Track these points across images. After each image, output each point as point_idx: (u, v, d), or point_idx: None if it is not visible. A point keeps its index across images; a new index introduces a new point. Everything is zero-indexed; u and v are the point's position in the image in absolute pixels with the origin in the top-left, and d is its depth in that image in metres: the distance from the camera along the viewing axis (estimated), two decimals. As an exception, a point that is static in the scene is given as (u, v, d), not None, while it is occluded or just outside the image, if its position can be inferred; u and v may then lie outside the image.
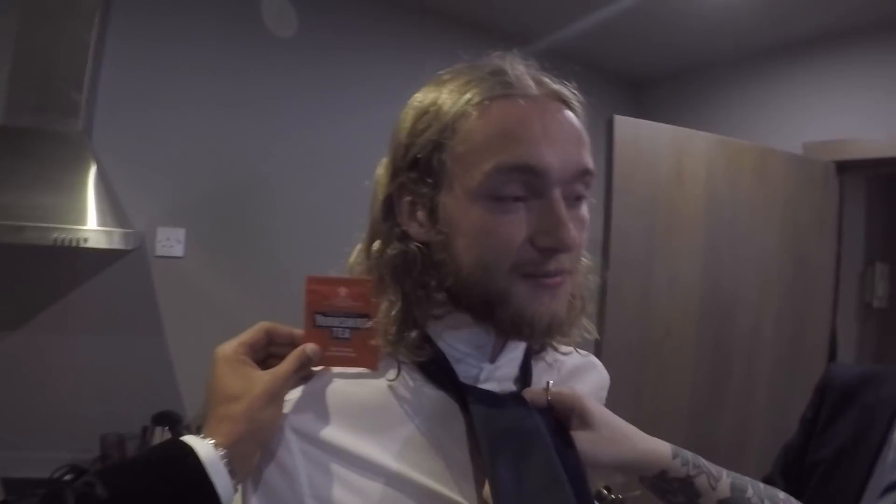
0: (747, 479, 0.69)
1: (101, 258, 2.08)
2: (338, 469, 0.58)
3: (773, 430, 1.91)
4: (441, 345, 0.63)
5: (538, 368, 0.71)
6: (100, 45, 2.03)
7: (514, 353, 0.67)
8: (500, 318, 0.59)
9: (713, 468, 0.68)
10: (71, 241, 1.72)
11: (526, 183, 0.57)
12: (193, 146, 2.18)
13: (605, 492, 1.69)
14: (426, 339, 0.62)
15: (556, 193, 0.57)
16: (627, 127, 1.79)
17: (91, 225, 1.77)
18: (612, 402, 1.86)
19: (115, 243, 1.79)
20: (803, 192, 2.14)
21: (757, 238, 2.03)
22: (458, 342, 0.63)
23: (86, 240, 1.72)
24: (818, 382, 1.32)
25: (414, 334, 0.61)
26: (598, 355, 1.85)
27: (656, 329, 1.83)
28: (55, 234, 1.70)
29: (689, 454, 0.67)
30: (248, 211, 2.27)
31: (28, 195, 1.74)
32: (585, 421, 0.63)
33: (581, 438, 0.62)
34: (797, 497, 1.25)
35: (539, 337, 0.61)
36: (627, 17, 2.30)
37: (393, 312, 0.60)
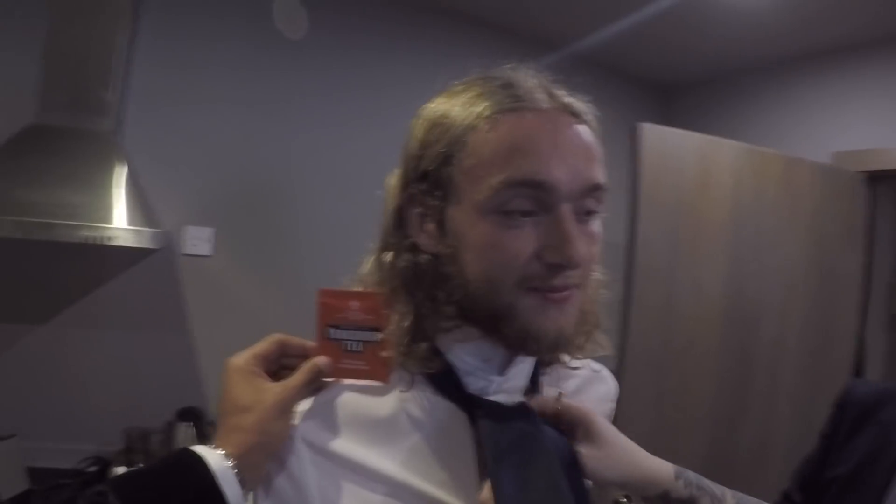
0: (753, 499, 0.69)
1: (130, 256, 2.11)
2: (348, 480, 0.59)
3: (796, 443, 1.88)
4: (450, 357, 0.63)
5: (547, 381, 0.71)
6: (130, 45, 2.06)
7: (524, 364, 0.66)
8: (507, 332, 0.59)
9: (717, 488, 0.68)
10: (99, 238, 1.75)
11: (534, 198, 0.56)
12: (222, 146, 2.20)
13: (624, 500, 1.68)
14: (436, 352, 0.62)
15: (565, 209, 0.57)
16: (654, 135, 1.78)
17: (119, 223, 1.80)
18: (633, 410, 1.87)
19: (143, 242, 1.81)
20: (831, 202, 2.11)
21: (782, 248, 2.01)
22: (466, 355, 0.63)
23: (113, 238, 1.75)
24: (837, 398, 1.31)
25: (424, 346, 0.61)
26: (620, 363, 1.85)
27: (679, 338, 1.82)
28: (84, 232, 1.73)
29: (692, 475, 0.67)
30: (276, 212, 2.29)
31: (58, 193, 1.77)
32: (591, 436, 0.63)
33: (585, 454, 0.62)
34: None
35: (545, 352, 0.60)
36: (657, 22, 2.28)
37: (404, 324, 0.61)
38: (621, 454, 0.64)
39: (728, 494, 0.68)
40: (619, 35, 2.44)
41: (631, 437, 2.00)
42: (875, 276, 2.62)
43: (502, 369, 0.65)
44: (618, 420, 1.86)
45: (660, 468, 0.66)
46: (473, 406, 0.63)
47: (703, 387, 1.89)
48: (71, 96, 1.95)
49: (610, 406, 0.80)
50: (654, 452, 1.98)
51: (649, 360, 1.80)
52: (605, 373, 0.79)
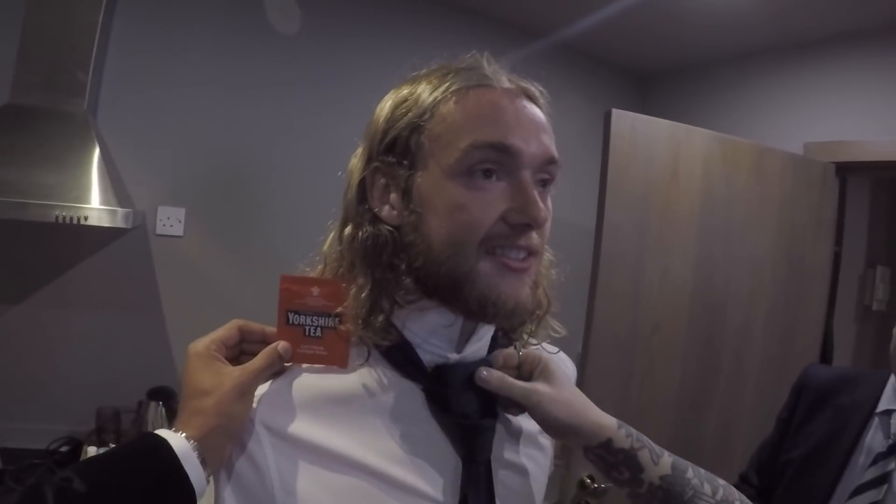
0: (688, 462, 0.71)
1: (103, 236, 2.11)
2: (307, 463, 0.60)
3: (759, 428, 1.91)
4: (406, 333, 0.65)
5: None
6: (106, 27, 2.05)
7: (481, 342, 0.68)
8: (466, 297, 0.61)
9: (655, 446, 0.70)
10: (73, 218, 1.75)
11: (498, 162, 0.60)
12: (196, 128, 2.21)
13: (588, 481, 1.71)
14: (392, 325, 0.64)
15: (527, 174, 0.61)
16: (624, 121, 1.79)
17: (93, 203, 1.80)
18: (599, 393, 1.89)
19: (116, 222, 1.81)
20: (801, 192, 2.14)
21: (751, 237, 2.03)
22: (422, 330, 0.65)
23: (87, 217, 1.75)
24: (795, 383, 1.34)
25: (381, 318, 0.62)
26: (585, 347, 1.87)
27: (645, 323, 1.85)
28: (57, 212, 1.73)
29: (632, 429, 0.70)
30: (248, 193, 2.30)
31: (32, 173, 1.77)
32: (547, 376, 0.67)
33: (541, 390, 0.65)
34: (769, 494, 1.27)
35: (503, 319, 0.63)
36: (635, 11, 2.30)
37: (362, 296, 0.62)
38: (571, 396, 0.67)
39: (665, 453, 0.70)
40: (597, 24, 2.45)
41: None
42: (845, 267, 2.66)
43: (459, 347, 0.66)
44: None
45: (605, 416, 0.68)
46: (429, 380, 0.64)
47: (670, 372, 1.92)
48: (46, 77, 1.94)
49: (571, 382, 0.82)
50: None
51: (616, 345, 1.82)
52: (562, 355, 0.81)
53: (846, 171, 2.33)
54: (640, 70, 3.06)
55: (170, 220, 2.17)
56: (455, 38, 2.47)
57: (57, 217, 1.72)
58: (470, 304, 0.61)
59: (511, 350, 0.69)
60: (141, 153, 2.13)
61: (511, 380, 0.66)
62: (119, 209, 1.82)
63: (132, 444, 0.58)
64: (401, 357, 0.65)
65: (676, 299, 1.90)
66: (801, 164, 2.19)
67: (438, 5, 2.56)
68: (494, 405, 0.68)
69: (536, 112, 0.64)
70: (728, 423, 2.07)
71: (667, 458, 0.69)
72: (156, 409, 1.95)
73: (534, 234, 0.62)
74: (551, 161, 0.63)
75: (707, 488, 0.69)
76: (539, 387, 0.65)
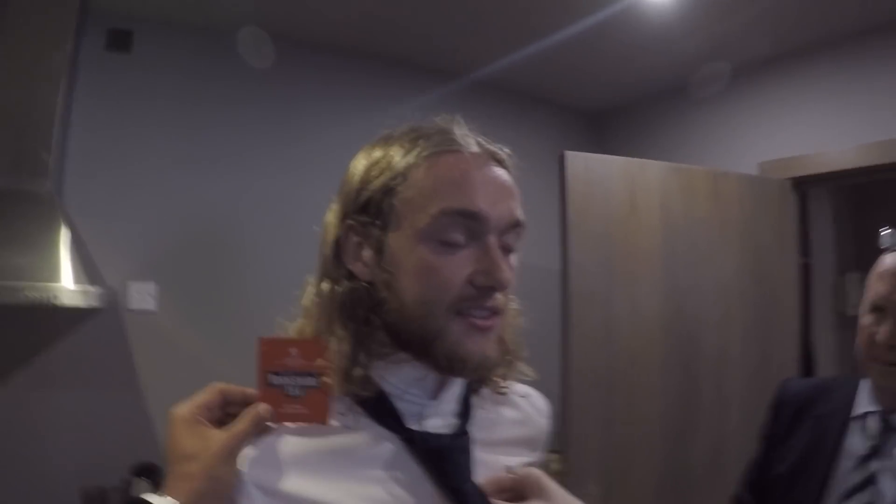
0: None
1: (76, 315, 2.10)
2: None
3: (748, 448, 1.91)
4: (384, 385, 0.67)
5: (482, 406, 0.75)
6: (66, 106, 2.07)
7: (454, 388, 0.71)
8: (436, 354, 0.63)
9: None
10: (43, 299, 1.75)
11: (467, 227, 0.63)
12: (162, 201, 2.22)
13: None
14: (369, 380, 0.66)
15: (492, 239, 0.64)
16: (578, 161, 1.83)
17: (63, 283, 1.80)
18: (583, 431, 1.90)
19: (87, 301, 1.81)
20: (761, 211, 2.18)
21: (717, 261, 2.07)
22: (399, 380, 0.67)
23: (56, 297, 1.75)
24: (772, 399, 1.36)
25: (360, 372, 0.65)
26: (564, 387, 1.88)
27: (621, 357, 1.86)
28: (27, 293, 1.73)
29: None
30: (218, 260, 2.30)
31: (0, 255, 1.77)
32: (543, 495, 0.68)
33: None
34: None
35: (470, 373, 0.66)
36: (572, 49, 2.34)
37: (342, 349, 0.64)
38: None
39: None
40: (540, 66, 2.51)
41: (584, 458, 2.04)
42: (817, 277, 2.70)
43: (435, 394, 0.69)
44: (569, 442, 1.89)
45: None
46: (410, 437, 0.66)
47: (651, 404, 1.93)
48: (10, 159, 1.95)
49: (546, 422, 0.84)
50: (610, 470, 2.00)
51: (595, 382, 1.83)
52: (534, 393, 0.84)
53: (805, 185, 2.39)
54: (592, 110, 3.14)
55: (141, 296, 2.17)
56: (413, 93, 2.52)
57: (28, 299, 1.72)
58: (439, 360, 0.64)
59: (501, 476, 0.71)
60: (109, 230, 2.14)
61: None
62: (89, 288, 1.82)
63: None
64: (380, 409, 0.67)
65: (649, 331, 1.92)
66: (758, 183, 2.24)
67: (394, 64, 2.61)
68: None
69: (503, 176, 0.67)
70: (716, 447, 2.07)
71: None
72: (143, 486, 1.93)
73: (498, 295, 0.65)
74: (516, 224, 0.66)
75: None
76: None
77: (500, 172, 0.67)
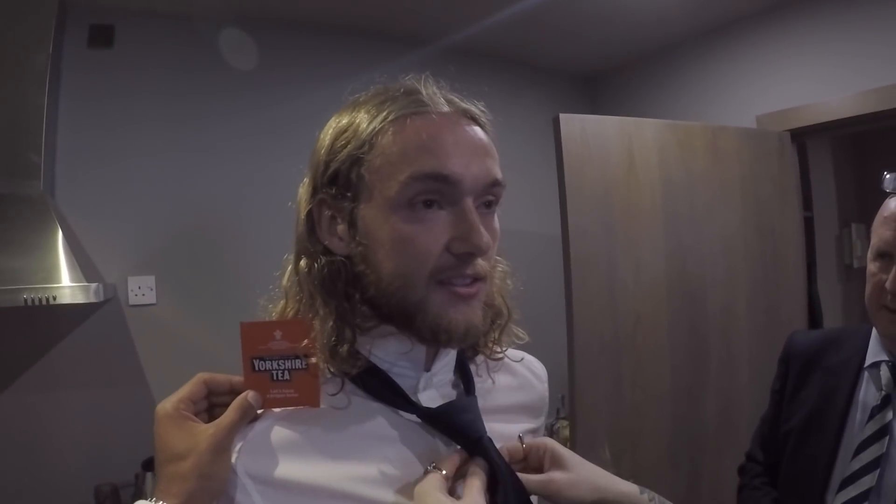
0: None
1: (77, 313, 2.10)
2: (296, 502, 0.59)
3: (759, 404, 1.90)
4: (373, 359, 0.65)
5: (478, 373, 0.74)
6: (53, 106, 2.05)
7: (447, 358, 0.69)
8: (419, 326, 0.61)
9: None
10: (42, 299, 1.74)
11: (439, 192, 0.60)
12: (156, 194, 2.21)
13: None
14: (358, 354, 0.64)
15: (469, 202, 0.61)
16: (573, 123, 1.80)
17: (60, 282, 1.79)
18: (593, 397, 1.89)
19: (86, 297, 1.80)
20: (760, 164, 2.15)
21: (718, 217, 2.04)
22: (387, 355, 0.66)
23: (55, 297, 1.74)
24: (781, 353, 1.34)
25: (346, 347, 0.63)
26: (570, 353, 1.86)
27: (626, 320, 1.84)
28: (26, 294, 1.72)
29: (654, 493, 0.70)
30: (215, 250, 2.29)
31: (-5, 260, 1.76)
32: (559, 462, 0.67)
33: (558, 478, 0.65)
34: (777, 468, 1.26)
35: (457, 343, 0.64)
36: (554, 10, 2.28)
37: (326, 327, 0.62)
38: (590, 473, 0.67)
39: None
40: (526, 29, 2.45)
41: (594, 423, 2.02)
42: (820, 230, 2.68)
43: (427, 365, 0.67)
44: (577, 409, 1.88)
45: (626, 484, 0.69)
46: (410, 407, 0.65)
47: (659, 365, 1.91)
48: (1, 163, 1.94)
49: (545, 387, 0.83)
50: (620, 434, 2.00)
51: (601, 346, 1.82)
52: (529, 357, 0.83)
53: (803, 137, 2.35)
54: (586, 73, 3.09)
55: (141, 290, 2.16)
56: (403, 66, 2.46)
57: (26, 300, 1.71)
58: (423, 332, 0.62)
59: (514, 444, 0.69)
60: (104, 227, 2.13)
61: (525, 476, 0.66)
62: (87, 284, 1.81)
63: None
64: (375, 383, 0.65)
65: (653, 291, 1.90)
66: (756, 136, 2.21)
67: (379, 38, 2.57)
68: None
69: (477, 134, 0.63)
70: (727, 405, 2.06)
71: None
72: (153, 480, 1.92)
73: (479, 261, 0.62)
74: (494, 183, 0.63)
75: None
76: (555, 475, 0.66)
77: (474, 131, 0.63)
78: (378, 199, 0.60)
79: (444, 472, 0.61)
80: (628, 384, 1.85)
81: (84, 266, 1.88)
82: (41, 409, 2.05)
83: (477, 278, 0.62)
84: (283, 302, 0.69)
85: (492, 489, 0.62)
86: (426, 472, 0.61)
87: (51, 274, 1.81)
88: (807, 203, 2.42)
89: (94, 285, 1.81)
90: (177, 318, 2.20)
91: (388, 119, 0.61)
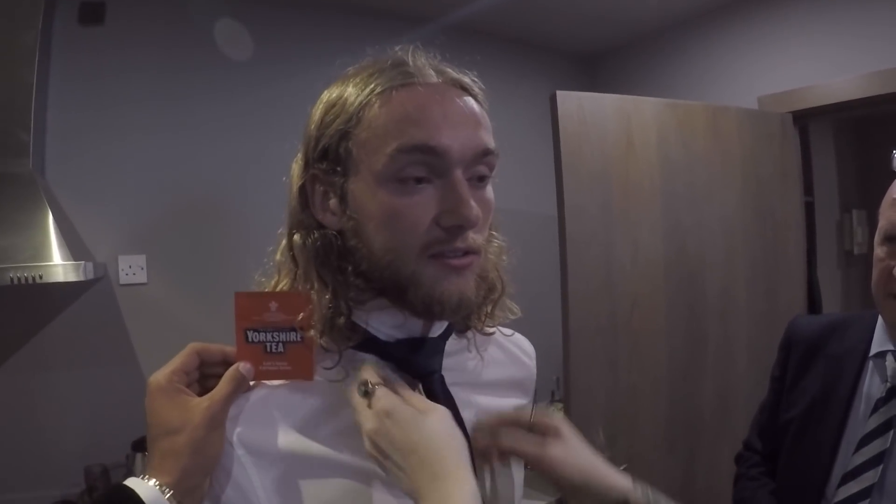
0: None
1: (67, 293, 2.08)
2: (292, 475, 0.59)
3: (757, 390, 1.88)
4: (370, 329, 0.65)
5: (461, 345, 0.74)
6: (43, 84, 2.02)
7: (441, 330, 0.68)
8: (411, 299, 0.61)
9: (672, 502, 0.68)
10: (29, 278, 1.71)
11: (427, 164, 0.59)
12: (147, 173, 2.18)
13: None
14: (355, 325, 0.64)
15: (458, 174, 0.59)
16: (570, 101, 1.77)
17: (48, 260, 1.77)
18: (588, 380, 1.86)
19: (74, 275, 1.78)
20: (761, 146, 2.12)
21: (718, 198, 2.01)
22: (384, 325, 0.65)
23: (42, 276, 1.71)
24: (782, 339, 1.29)
25: (342, 320, 0.62)
26: (565, 335, 1.84)
27: (623, 301, 1.82)
28: (12, 273, 1.69)
29: (648, 489, 0.68)
30: (206, 229, 2.26)
31: (-16, 239, 1.74)
32: (560, 436, 0.68)
33: (552, 451, 0.66)
34: (775, 457, 1.23)
35: (449, 316, 0.63)
36: None
37: (322, 300, 0.62)
38: (585, 454, 0.68)
39: None
40: (523, 8, 2.41)
41: (589, 407, 2.00)
42: (820, 215, 2.65)
43: (424, 335, 0.66)
44: (571, 391, 1.85)
45: (619, 477, 0.68)
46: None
47: (656, 347, 1.89)
48: (-13, 141, 1.91)
49: (533, 363, 0.82)
50: (615, 418, 1.97)
51: (597, 328, 1.79)
52: (518, 334, 0.82)
53: (805, 119, 2.32)
54: (585, 53, 3.05)
55: (132, 269, 2.13)
56: (399, 44, 2.43)
57: (12, 279, 1.68)
58: (416, 305, 0.61)
59: (520, 411, 0.70)
60: (94, 206, 2.10)
61: (522, 437, 0.67)
62: (77, 262, 1.78)
63: (102, 499, 0.57)
64: (373, 350, 0.64)
65: (651, 272, 1.87)
66: (757, 117, 2.17)
67: (382, 16, 2.54)
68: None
69: (467, 104, 0.62)
70: (724, 389, 2.04)
71: None
72: (143, 461, 1.90)
73: (470, 234, 0.60)
74: (485, 153, 0.61)
75: None
76: (550, 446, 0.66)
77: (464, 101, 0.62)
78: (366, 174, 0.60)
79: (372, 382, 0.59)
80: (624, 367, 1.83)
81: (73, 245, 1.86)
82: (31, 389, 2.03)
83: (469, 251, 0.61)
84: (276, 277, 0.68)
85: None
86: (366, 394, 0.59)
87: (38, 252, 1.78)
88: (807, 187, 2.39)
89: (83, 264, 1.79)
90: (168, 297, 2.18)
91: (375, 92, 0.60)
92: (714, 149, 2.00)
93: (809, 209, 2.43)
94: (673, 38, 2.70)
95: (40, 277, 1.72)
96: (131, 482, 0.55)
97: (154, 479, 0.55)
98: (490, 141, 0.62)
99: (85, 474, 1.97)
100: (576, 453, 0.67)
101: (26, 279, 1.70)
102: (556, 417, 0.69)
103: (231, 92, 2.32)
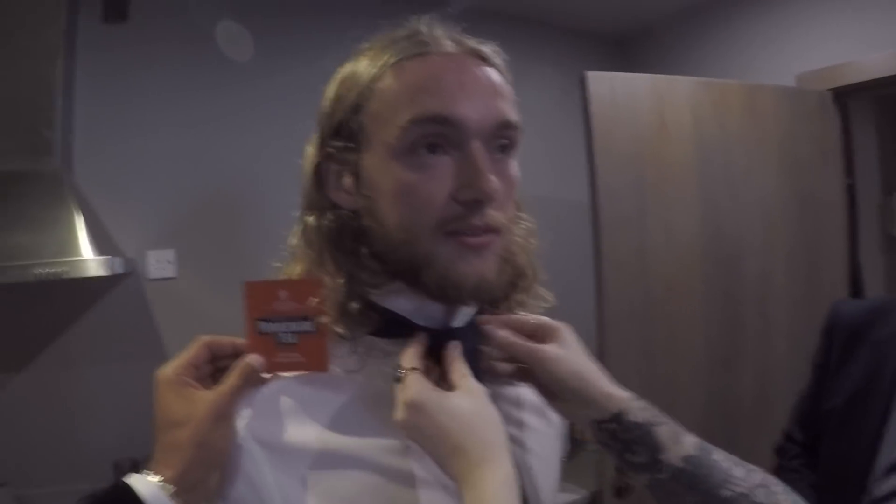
0: (714, 446, 0.64)
1: (96, 289, 2.09)
2: (309, 471, 0.56)
3: (798, 377, 1.80)
4: (388, 305, 0.62)
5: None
6: (69, 81, 2.03)
7: (463, 318, 0.64)
8: (426, 281, 0.57)
9: (678, 425, 0.63)
10: (52, 274, 1.72)
11: (443, 135, 0.56)
12: (174, 167, 2.18)
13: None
14: (371, 308, 0.60)
15: (476, 145, 0.56)
16: (602, 82, 1.72)
17: (74, 256, 1.77)
18: (622, 367, 1.81)
19: (102, 270, 1.78)
20: (800, 125, 2.04)
21: (755, 179, 1.94)
22: (401, 310, 0.62)
23: (66, 272, 1.72)
24: (824, 324, 1.23)
25: (356, 305, 0.59)
26: (600, 321, 1.79)
27: (658, 286, 1.76)
28: (37, 270, 1.70)
29: (651, 405, 0.63)
30: (235, 221, 2.26)
31: (6, 237, 1.74)
32: (559, 340, 0.63)
33: (547, 350, 0.61)
34: (816, 448, 1.17)
35: (467, 299, 0.59)
36: None
37: (336, 283, 0.59)
38: (583, 359, 0.63)
39: (689, 433, 0.63)
40: None
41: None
42: (862, 198, 2.54)
43: (448, 321, 0.63)
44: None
45: (617, 388, 0.63)
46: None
47: (692, 333, 1.83)
48: (14, 140, 1.92)
49: None
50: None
51: (631, 313, 1.74)
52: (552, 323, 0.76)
53: (846, 97, 2.22)
54: (614, 34, 2.96)
55: (160, 264, 2.14)
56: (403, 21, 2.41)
57: (38, 275, 1.69)
58: (430, 287, 0.58)
59: (523, 317, 0.65)
60: (123, 201, 2.11)
61: (514, 337, 0.62)
62: (103, 257, 1.78)
63: (99, 498, 0.54)
64: (395, 328, 0.61)
65: (687, 256, 1.81)
66: (796, 95, 2.09)
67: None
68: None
69: (486, 73, 0.59)
70: (763, 376, 1.97)
71: (691, 438, 0.62)
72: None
73: (490, 211, 0.56)
74: (506, 125, 0.58)
75: (739, 471, 0.61)
76: (547, 347, 0.61)
77: (483, 70, 0.59)
78: (379, 147, 0.58)
79: (416, 368, 0.56)
80: (660, 354, 1.77)
81: (102, 240, 1.87)
82: (61, 384, 2.05)
83: (489, 229, 0.57)
84: (291, 262, 0.66)
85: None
86: (399, 379, 0.56)
87: (64, 248, 1.79)
88: (848, 169, 2.29)
89: (111, 258, 1.79)
90: (197, 291, 2.18)
91: (388, 63, 0.59)
92: (751, 128, 1.93)
93: (850, 191, 2.33)
94: (706, 17, 2.60)
95: (66, 273, 1.73)
96: (132, 479, 0.53)
97: (156, 476, 0.53)
98: (512, 113, 0.59)
99: (114, 468, 1.98)
100: (574, 356, 0.62)
101: (53, 275, 1.71)
102: (558, 323, 0.65)
103: (257, 80, 2.31)
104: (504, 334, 0.61)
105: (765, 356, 1.97)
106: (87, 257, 1.77)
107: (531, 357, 0.61)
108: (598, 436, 0.62)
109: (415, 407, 0.54)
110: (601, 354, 1.70)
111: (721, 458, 0.61)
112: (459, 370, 0.57)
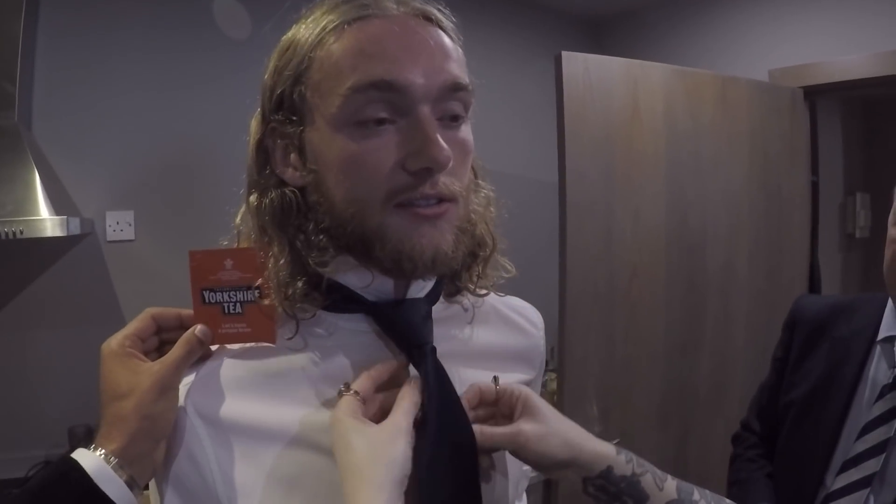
0: (692, 485, 0.65)
1: (53, 249, 2.03)
2: (249, 447, 0.55)
3: (754, 368, 1.86)
4: (340, 280, 0.59)
5: (452, 311, 0.67)
6: (30, 36, 1.96)
7: (422, 291, 0.62)
8: (379, 256, 0.55)
9: (657, 470, 0.64)
10: (9, 233, 1.66)
11: (387, 102, 0.53)
12: (135, 128, 2.11)
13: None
14: (317, 286, 0.58)
15: (424, 110, 0.53)
16: (576, 63, 1.71)
17: (31, 215, 1.71)
18: (583, 350, 1.82)
19: (59, 230, 1.72)
20: (770, 120, 2.07)
21: (724, 171, 1.96)
22: (352, 285, 0.60)
23: (22, 231, 1.66)
24: (787, 318, 1.25)
25: (302, 283, 0.57)
26: (562, 304, 1.80)
27: (622, 272, 1.78)
28: (-2, 228, 1.64)
29: (632, 454, 0.63)
30: (195, 187, 2.20)
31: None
32: (532, 412, 0.60)
33: (528, 430, 0.59)
34: (773, 439, 1.20)
35: (423, 273, 0.56)
36: None
37: (280, 262, 0.57)
38: (563, 428, 0.61)
39: (668, 477, 0.64)
40: None
41: (583, 378, 1.95)
42: (824, 196, 2.60)
43: (399, 296, 0.61)
44: (566, 362, 1.81)
45: (601, 443, 0.63)
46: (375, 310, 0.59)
47: (654, 320, 1.85)
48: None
49: (541, 335, 0.75)
50: (609, 390, 1.93)
51: (594, 297, 1.75)
52: (523, 303, 0.76)
53: (815, 96, 2.27)
54: (591, 15, 2.94)
55: (119, 225, 2.08)
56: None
57: (-1, 233, 1.63)
58: (384, 262, 0.55)
59: (487, 384, 0.63)
60: (82, 161, 2.04)
61: (490, 429, 0.60)
62: (60, 217, 1.73)
63: (42, 475, 0.53)
64: (339, 300, 0.59)
65: (652, 243, 1.83)
66: (768, 91, 2.12)
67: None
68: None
69: (433, 34, 0.56)
70: (721, 366, 2.01)
71: (671, 482, 0.63)
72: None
73: (442, 180, 0.54)
74: (456, 87, 0.55)
75: None
76: (524, 426, 0.59)
77: (428, 31, 0.56)
78: (321, 120, 0.55)
79: (355, 392, 0.55)
80: (621, 338, 1.79)
81: (59, 200, 1.80)
82: (15, 347, 1.99)
83: (443, 199, 0.54)
84: (237, 242, 0.64)
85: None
86: (339, 395, 0.55)
87: (21, 207, 1.72)
88: (812, 167, 2.34)
89: (68, 219, 1.73)
90: (156, 254, 2.12)
91: (327, 29, 0.55)
92: (722, 120, 1.95)
93: (813, 189, 2.38)
94: (684, 5, 2.61)
95: (21, 232, 1.67)
96: (77, 454, 0.53)
97: (100, 448, 0.52)
98: (462, 75, 0.56)
99: (69, 435, 1.94)
100: (555, 425, 0.60)
101: (8, 234, 1.65)
102: (521, 388, 0.63)
103: (224, 47, 2.25)
104: (478, 429, 0.59)
105: (723, 345, 2.01)
106: (44, 216, 1.71)
107: (514, 443, 0.59)
108: (586, 489, 0.63)
109: (334, 427, 0.53)
110: (562, 336, 1.71)
111: (699, 498, 0.63)
112: (401, 408, 0.55)
